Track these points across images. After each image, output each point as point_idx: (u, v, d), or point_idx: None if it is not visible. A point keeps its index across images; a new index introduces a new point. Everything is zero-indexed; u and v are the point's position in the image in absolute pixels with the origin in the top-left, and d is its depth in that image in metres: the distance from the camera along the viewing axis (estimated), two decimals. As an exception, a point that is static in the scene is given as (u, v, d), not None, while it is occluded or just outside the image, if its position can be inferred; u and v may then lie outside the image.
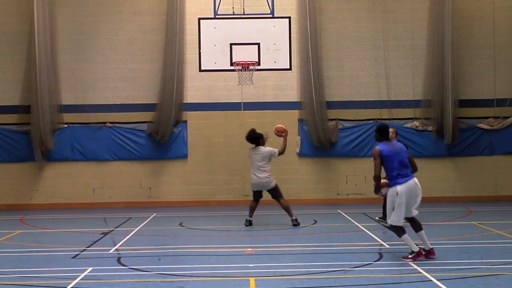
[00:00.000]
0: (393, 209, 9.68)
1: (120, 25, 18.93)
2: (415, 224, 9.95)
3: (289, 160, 18.69)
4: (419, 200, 9.83)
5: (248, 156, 14.02)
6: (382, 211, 14.26)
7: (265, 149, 13.81)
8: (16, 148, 18.79)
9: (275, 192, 13.85)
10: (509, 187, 19.12)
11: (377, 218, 14.42)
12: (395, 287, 8.15)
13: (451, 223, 14.38)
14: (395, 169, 9.74)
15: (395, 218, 9.68)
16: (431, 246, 9.88)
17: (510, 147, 19.15)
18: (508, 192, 19.07)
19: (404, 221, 9.84)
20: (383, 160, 9.79)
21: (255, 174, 13.73)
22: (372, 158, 10.01)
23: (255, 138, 13.89)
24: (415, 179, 9.81)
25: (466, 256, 10.10)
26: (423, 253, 9.78)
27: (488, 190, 19.13)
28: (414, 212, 9.83)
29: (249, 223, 13.96)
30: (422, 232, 9.86)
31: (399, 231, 9.78)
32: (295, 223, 13.85)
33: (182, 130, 18.97)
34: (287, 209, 13.94)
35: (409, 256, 9.69)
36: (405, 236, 9.77)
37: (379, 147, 9.88)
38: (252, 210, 14.03)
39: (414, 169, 10.05)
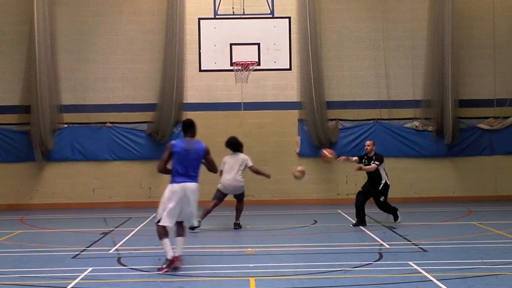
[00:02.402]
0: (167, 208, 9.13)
1: (120, 25, 18.93)
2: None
3: (289, 160, 18.68)
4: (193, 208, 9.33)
5: (224, 161, 13.76)
6: (390, 213, 14.05)
7: (244, 156, 13.82)
8: (16, 148, 18.79)
9: (241, 196, 13.80)
10: (509, 187, 19.12)
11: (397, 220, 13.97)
12: (395, 287, 8.15)
13: (451, 223, 14.37)
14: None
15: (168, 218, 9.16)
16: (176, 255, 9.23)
17: (510, 147, 19.15)
18: (508, 192, 19.07)
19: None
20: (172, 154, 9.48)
21: (231, 179, 13.51)
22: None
23: (237, 145, 13.87)
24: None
25: (466, 256, 10.09)
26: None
27: (488, 190, 19.13)
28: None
29: (198, 225, 12.70)
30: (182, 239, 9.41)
31: (163, 233, 9.23)
32: (237, 227, 13.70)
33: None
34: (239, 211, 13.82)
35: (164, 266, 9.13)
36: (166, 240, 9.24)
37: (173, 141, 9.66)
38: (209, 212, 13.45)
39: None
